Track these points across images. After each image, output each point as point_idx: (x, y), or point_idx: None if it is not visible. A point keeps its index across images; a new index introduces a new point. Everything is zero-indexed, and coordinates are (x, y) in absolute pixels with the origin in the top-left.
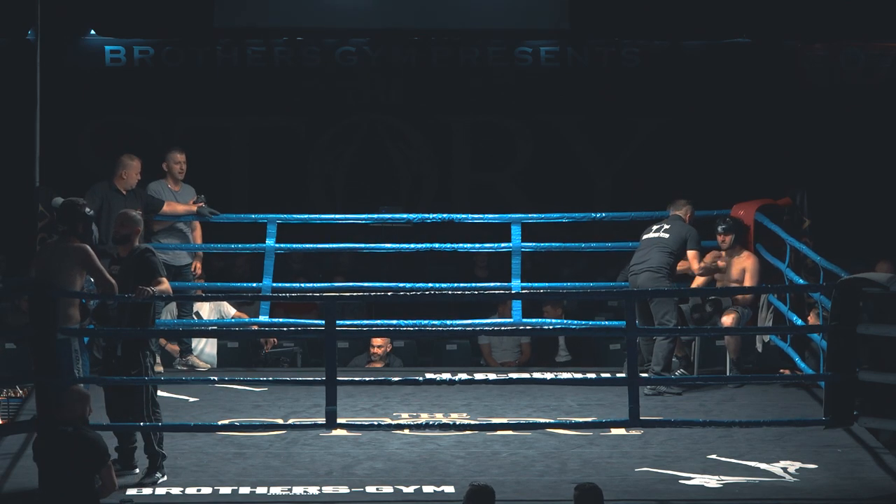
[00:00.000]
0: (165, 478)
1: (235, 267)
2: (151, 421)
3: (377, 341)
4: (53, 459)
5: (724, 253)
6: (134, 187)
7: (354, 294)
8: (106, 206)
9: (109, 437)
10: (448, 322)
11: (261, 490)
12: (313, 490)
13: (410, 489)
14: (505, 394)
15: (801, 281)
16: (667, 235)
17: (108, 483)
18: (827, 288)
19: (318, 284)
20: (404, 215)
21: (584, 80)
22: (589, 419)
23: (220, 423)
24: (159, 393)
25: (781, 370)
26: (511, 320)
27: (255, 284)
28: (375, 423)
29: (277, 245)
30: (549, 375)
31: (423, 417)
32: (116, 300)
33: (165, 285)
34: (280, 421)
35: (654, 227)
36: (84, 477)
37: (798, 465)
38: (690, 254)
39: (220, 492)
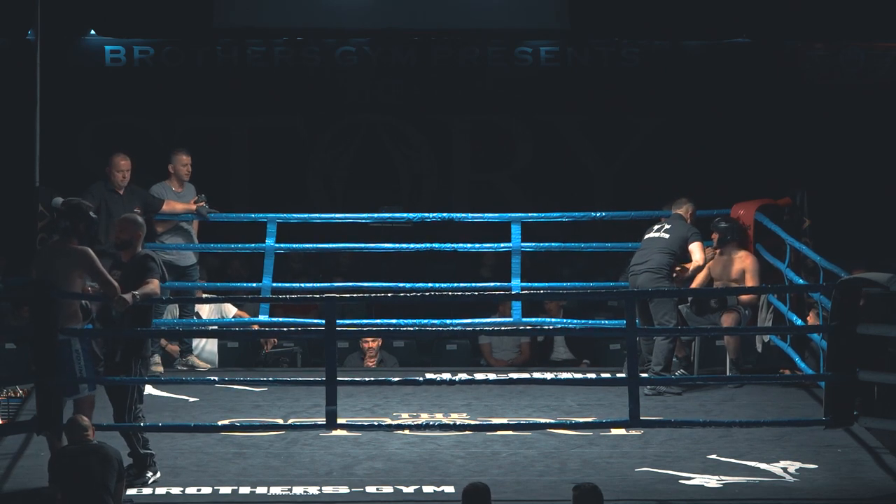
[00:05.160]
0: (158, 474)
1: (231, 268)
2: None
3: (367, 337)
4: (74, 471)
5: (717, 251)
6: (127, 185)
7: (354, 294)
8: (104, 206)
9: (111, 438)
10: (448, 322)
11: (261, 490)
12: (313, 490)
13: (410, 489)
14: (505, 394)
15: (801, 281)
16: (667, 236)
17: (118, 498)
18: (827, 288)
19: (318, 284)
20: (404, 215)
21: (584, 80)
22: (589, 419)
23: (220, 423)
24: (160, 393)
25: (781, 370)
26: (511, 320)
27: (254, 284)
28: (375, 423)
29: (277, 245)
30: (549, 375)
31: (423, 417)
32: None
33: (152, 286)
34: (280, 421)
35: (656, 227)
36: (103, 489)
37: (798, 465)
38: (694, 245)
39: (220, 492)
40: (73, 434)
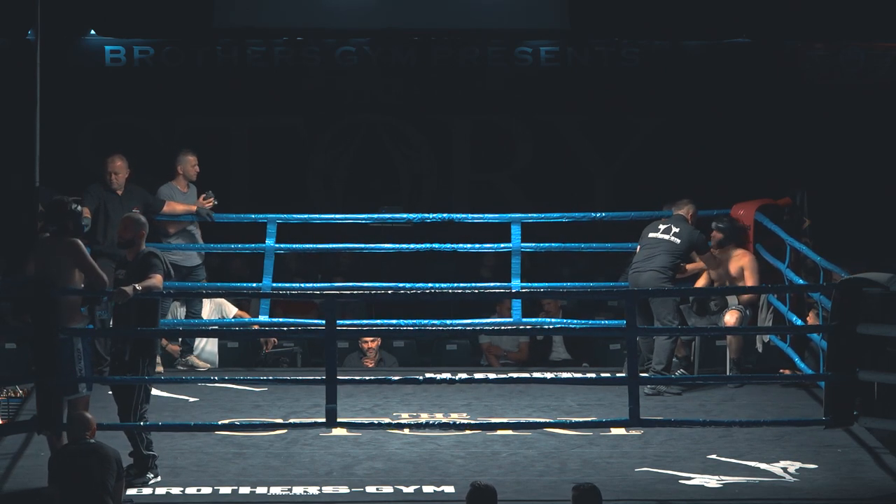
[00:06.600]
0: (159, 478)
1: (232, 268)
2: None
3: (367, 337)
4: (73, 471)
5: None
6: (126, 185)
7: (354, 294)
8: (102, 207)
9: (113, 438)
10: (448, 322)
11: (261, 490)
12: (313, 490)
13: (410, 489)
14: (505, 394)
15: (801, 281)
16: (678, 241)
17: (117, 497)
18: (827, 288)
19: (318, 284)
20: (404, 215)
21: (584, 80)
22: (589, 419)
23: (220, 423)
24: (160, 393)
25: (781, 370)
26: (511, 320)
27: (254, 284)
28: (375, 422)
29: (277, 245)
30: (549, 375)
31: (423, 417)
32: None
33: (154, 281)
34: (280, 421)
35: (662, 228)
36: (102, 489)
37: (798, 465)
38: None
39: (220, 492)
40: (76, 431)
